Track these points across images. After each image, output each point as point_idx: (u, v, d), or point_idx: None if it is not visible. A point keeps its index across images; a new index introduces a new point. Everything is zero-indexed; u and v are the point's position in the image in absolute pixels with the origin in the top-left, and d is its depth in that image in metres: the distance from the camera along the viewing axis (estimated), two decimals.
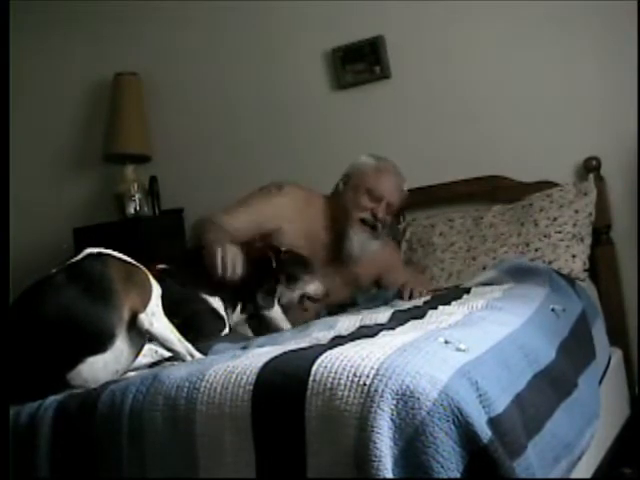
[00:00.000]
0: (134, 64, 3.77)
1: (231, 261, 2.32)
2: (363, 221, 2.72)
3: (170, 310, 1.98)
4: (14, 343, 1.78)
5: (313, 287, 2.58)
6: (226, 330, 2.36)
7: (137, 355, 1.93)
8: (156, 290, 1.95)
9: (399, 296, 2.63)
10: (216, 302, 2.40)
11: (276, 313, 2.50)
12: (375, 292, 2.87)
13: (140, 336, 1.90)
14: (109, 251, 1.96)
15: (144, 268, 1.99)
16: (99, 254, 1.93)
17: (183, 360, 1.90)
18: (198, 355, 1.93)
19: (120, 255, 1.97)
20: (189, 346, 1.94)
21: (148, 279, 1.96)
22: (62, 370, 1.78)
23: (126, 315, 1.85)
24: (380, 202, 2.72)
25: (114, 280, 1.86)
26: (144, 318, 1.86)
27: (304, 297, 2.59)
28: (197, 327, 2.23)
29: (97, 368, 1.79)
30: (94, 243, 2.07)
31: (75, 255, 1.98)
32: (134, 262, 1.98)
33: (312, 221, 2.75)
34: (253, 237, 2.56)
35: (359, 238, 2.72)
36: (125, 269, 1.92)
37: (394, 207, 2.77)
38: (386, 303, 2.61)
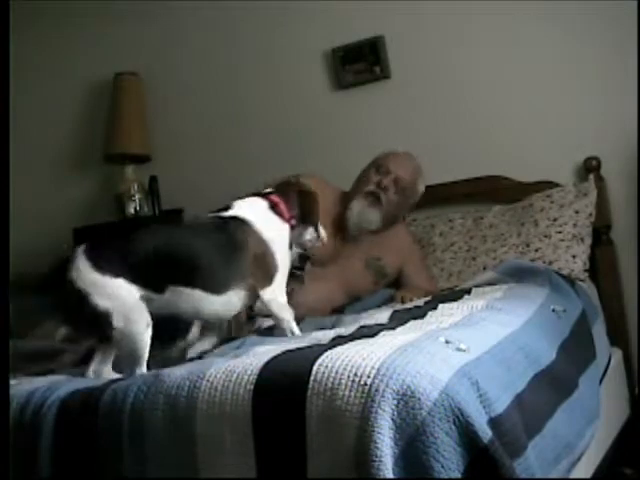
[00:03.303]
0: (134, 64, 3.77)
1: None
2: (368, 193, 2.77)
3: None
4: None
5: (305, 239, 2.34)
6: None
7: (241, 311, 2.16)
8: (282, 271, 2.14)
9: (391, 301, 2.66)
10: None
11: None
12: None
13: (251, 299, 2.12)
14: (252, 221, 2.11)
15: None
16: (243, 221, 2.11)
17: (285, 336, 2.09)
18: (297, 332, 2.10)
19: (261, 226, 2.12)
20: (293, 325, 2.13)
21: (274, 262, 2.12)
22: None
23: (247, 286, 2.06)
24: (387, 175, 2.76)
25: (246, 257, 2.06)
26: (269, 293, 2.09)
27: (304, 259, 2.60)
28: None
29: (216, 304, 2.04)
30: None
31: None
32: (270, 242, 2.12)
33: (325, 212, 2.79)
34: None
35: (359, 205, 2.77)
36: (261, 248, 2.10)
37: (403, 183, 2.78)
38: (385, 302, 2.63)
